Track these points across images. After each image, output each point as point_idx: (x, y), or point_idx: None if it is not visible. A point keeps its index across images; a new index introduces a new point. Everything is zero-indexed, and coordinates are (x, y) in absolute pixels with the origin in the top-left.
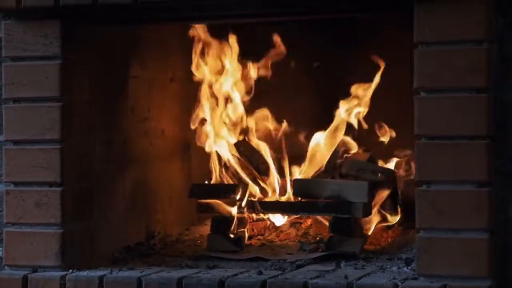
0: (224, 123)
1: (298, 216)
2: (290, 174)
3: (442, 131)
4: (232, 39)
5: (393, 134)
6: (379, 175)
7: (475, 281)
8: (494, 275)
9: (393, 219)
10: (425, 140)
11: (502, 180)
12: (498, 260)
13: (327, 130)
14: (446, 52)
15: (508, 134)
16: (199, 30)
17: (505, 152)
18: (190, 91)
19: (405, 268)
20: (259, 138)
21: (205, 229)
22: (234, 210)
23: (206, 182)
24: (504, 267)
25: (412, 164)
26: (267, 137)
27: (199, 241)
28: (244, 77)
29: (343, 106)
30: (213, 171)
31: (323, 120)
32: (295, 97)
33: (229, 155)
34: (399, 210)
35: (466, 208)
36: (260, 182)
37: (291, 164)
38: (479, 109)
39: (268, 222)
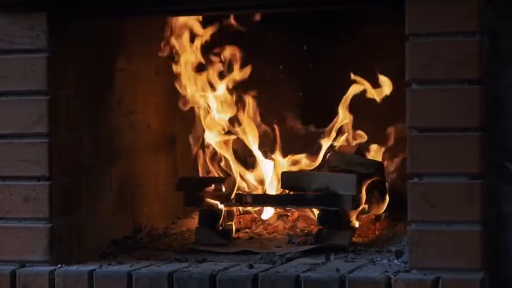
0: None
1: (285, 209)
2: (278, 167)
3: (434, 123)
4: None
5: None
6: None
7: (468, 274)
8: (487, 267)
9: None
10: (417, 132)
11: (494, 172)
12: (491, 252)
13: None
14: (438, 44)
15: (500, 126)
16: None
17: (498, 144)
18: (175, 84)
19: (395, 261)
20: (248, 131)
21: (192, 222)
22: (221, 203)
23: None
24: (497, 259)
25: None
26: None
27: (186, 235)
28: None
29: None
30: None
31: (309, 112)
32: (281, 88)
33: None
34: (386, 202)
35: (458, 200)
36: (248, 175)
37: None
38: (471, 101)
39: (255, 215)
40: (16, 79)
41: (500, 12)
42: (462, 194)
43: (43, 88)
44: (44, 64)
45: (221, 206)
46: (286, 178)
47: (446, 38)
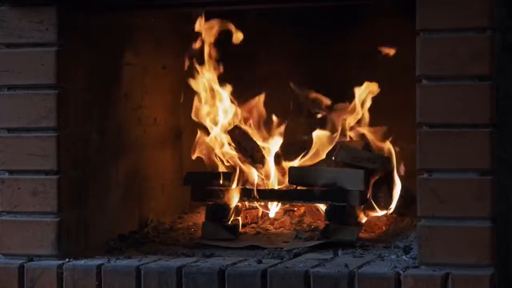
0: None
1: (292, 204)
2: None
3: (444, 119)
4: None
5: None
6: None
7: (477, 270)
8: (497, 263)
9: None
10: (427, 128)
11: (504, 168)
12: (501, 249)
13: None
14: (449, 39)
15: (510, 121)
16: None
17: (508, 140)
18: (182, 79)
19: (404, 257)
20: (254, 126)
21: (198, 217)
22: (229, 198)
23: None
24: (507, 255)
25: None
26: (262, 125)
27: (192, 229)
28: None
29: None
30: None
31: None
32: (286, 85)
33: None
34: (394, 197)
35: (468, 196)
36: (255, 170)
37: (286, 152)
38: (481, 97)
39: (262, 210)
40: (25, 73)
41: (511, 7)
42: (472, 190)
43: (52, 82)
44: (53, 58)
45: (231, 201)
46: (294, 173)
47: (457, 34)
